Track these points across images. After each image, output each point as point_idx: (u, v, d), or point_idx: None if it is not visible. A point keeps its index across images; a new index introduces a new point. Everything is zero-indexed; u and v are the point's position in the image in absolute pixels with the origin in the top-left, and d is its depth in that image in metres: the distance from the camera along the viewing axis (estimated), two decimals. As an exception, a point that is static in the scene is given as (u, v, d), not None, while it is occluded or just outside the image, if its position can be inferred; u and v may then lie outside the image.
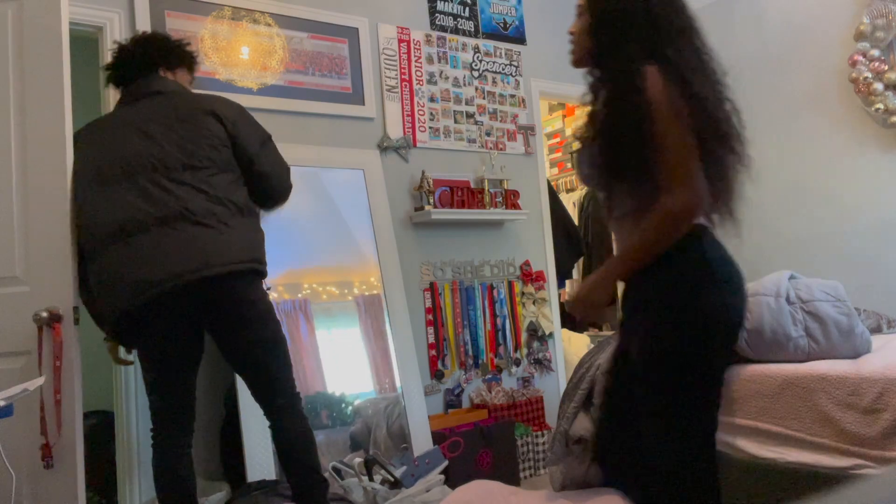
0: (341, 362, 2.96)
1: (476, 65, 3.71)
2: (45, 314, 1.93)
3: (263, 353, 1.99)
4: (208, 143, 1.99)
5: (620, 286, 1.47)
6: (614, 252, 1.56)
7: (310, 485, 2.00)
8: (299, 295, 2.88)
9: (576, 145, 1.65)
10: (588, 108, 1.49)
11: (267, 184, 2.13)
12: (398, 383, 3.02)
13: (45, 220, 2.02)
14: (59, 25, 2.08)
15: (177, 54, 2.19)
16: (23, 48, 2.09)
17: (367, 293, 3.07)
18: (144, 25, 2.74)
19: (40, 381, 1.76)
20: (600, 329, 5.07)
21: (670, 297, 1.33)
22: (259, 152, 2.10)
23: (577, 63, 1.54)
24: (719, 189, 1.38)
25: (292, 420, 2.02)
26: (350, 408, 2.93)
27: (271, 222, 2.89)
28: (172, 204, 1.86)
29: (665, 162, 1.29)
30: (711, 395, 1.37)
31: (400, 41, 3.44)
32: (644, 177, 1.33)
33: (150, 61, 2.12)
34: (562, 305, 4.04)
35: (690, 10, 1.44)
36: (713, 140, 1.33)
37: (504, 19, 3.88)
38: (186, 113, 2.00)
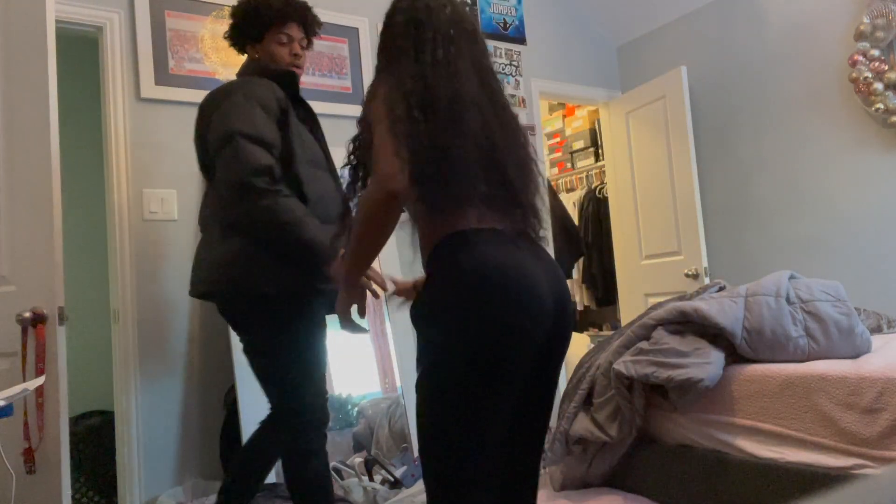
0: (347, 364, 2.96)
1: (476, 65, 3.71)
2: (28, 314, 1.88)
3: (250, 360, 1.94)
4: (200, 149, 1.97)
5: None
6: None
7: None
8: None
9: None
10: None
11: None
12: (398, 383, 3.02)
13: (32, 218, 1.98)
14: (45, 22, 2.03)
15: (242, 25, 2.01)
16: (7, 44, 2.04)
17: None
18: (144, 25, 2.75)
19: (40, 380, 1.75)
20: (600, 329, 5.07)
21: (433, 311, 1.28)
22: (217, 154, 1.80)
23: None
24: (490, 191, 1.30)
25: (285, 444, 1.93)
26: (356, 409, 2.94)
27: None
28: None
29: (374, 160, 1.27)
30: (465, 419, 1.24)
31: (400, 41, 3.43)
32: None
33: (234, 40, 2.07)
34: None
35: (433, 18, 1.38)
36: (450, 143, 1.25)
37: (504, 19, 3.88)
38: (196, 117, 1.99)
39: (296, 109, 1.96)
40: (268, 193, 1.70)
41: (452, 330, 1.22)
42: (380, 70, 1.42)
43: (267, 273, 1.78)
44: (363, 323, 1.47)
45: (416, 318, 1.31)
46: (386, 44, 1.43)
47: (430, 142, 1.23)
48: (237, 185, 1.71)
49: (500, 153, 1.34)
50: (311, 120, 2.03)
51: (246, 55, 2.09)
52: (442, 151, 1.23)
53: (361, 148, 1.39)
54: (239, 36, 2.05)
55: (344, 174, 1.46)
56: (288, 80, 1.97)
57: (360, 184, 1.41)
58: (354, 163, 1.41)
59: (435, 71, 1.29)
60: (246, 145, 1.72)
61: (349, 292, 1.39)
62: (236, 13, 2.03)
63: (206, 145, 1.90)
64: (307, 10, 2.07)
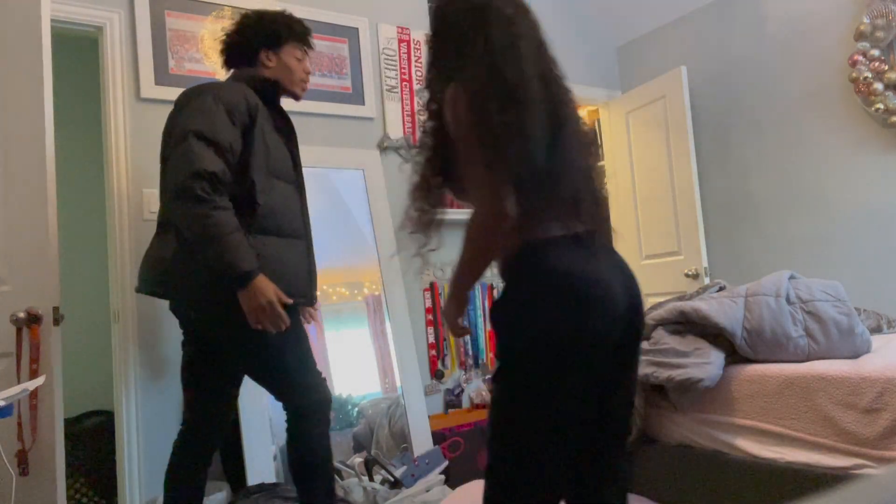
0: (348, 364, 2.96)
1: (476, 65, 3.70)
2: (22, 315, 1.87)
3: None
4: (163, 141, 1.97)
5: None
6: None
7: None
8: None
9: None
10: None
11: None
12: (398, 383, 3.02)
13: (27, 218, 1.97)
14: (40, 20, 2.02)
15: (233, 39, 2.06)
16: (2, 43, 2.03)
17: (375, 293, 3.07)
18: (144, 25, 2.75)
19: (40, 380, 1.75)
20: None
21: (501, 318, 1.30)
22: (172, 151, 1.79)
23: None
24: (567, 199, 1.31)
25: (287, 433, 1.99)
26: (356, 409, 2.94)
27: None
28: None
29: (467, 177, 1.29)
30: (547, 424, 1.25)
31: (400, 41, 3.44)
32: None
33: (226, 61, 2.11)
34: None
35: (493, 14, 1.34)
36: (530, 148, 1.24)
37: (504, 19, 3.88)
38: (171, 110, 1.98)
39: (274, 119, 1.98)
40: (203, 201, 1.69)
41: (533, 336, 1.24)
42: (440, 60, 1.41)
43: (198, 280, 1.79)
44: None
45: (496, 322, 1.32)
46: (445, 32, 1.40)
47: (519, 151, 1.23)
48: (178, 185, 1.71)
49: (571, 152, 1.34)
50: (288, 131, 2.05)
51: (225, 56, 2.09)
52: (528, 161, 1.23)
53: (433, 139, 1.41)
54: (256, 37, 2.04)
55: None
56: (270, 89, 1.99)
57: (434, 174, 1.44)
58: (428, 155, 1.44)
59: (505, 57, 1.28)
60: (197, 146, 1.72)
61: (458, 304, 1.41)
62: (266, 17, 2.06)
63: (168, 140, 1.92)
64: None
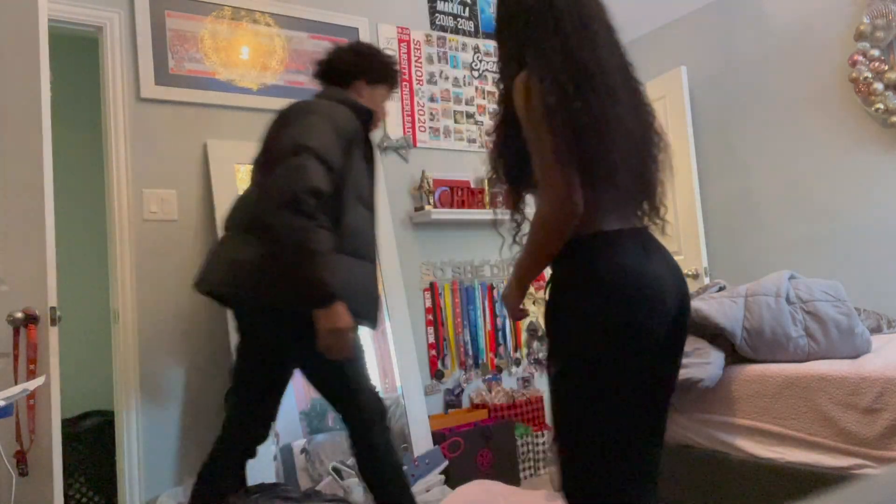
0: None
1: (476, 65, 3.71)
2: (19, 315, 1.86)
3: None
4: (258, 150, 2.03)
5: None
6: None
7: None
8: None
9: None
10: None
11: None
12: (398, 383, 3.02)
13: (24, 217, 1.97)
14: (37, 19, 2.01)
15: (339, 68, 2.17)
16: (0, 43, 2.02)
17: (367, 293, 3.07)
18: (144, 25, 2.75)
19: (40, 380, 1.75)
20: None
21: (557, 311, 1.30)
22: (280, 160, 1.81)
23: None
24: (627, 190, 1.31)
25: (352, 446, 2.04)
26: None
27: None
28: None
29: (536, 168, 1.27)
30: (609, 418, 1.27)
31: (400, 41, 3.44)
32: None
33: (322, 73, 2.20)
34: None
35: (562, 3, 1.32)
36: (600, 140, 1.24)
37: (504, 19, 3.88)
38: (270, 121, 2.05)
39: (363, 147, 2.06)
40: (310, 217, 1.73)
41: (588, 330, 1.25)
42: (508, 47, 1.38)
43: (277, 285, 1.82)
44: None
45: (554, 317, 1.32)
46: (512, 17, 1.37)
47: (595, 140, 1.22)
48: (289, 197, 1.73)
49: (636, 145, 1.33)
50: (371, 161, 2.12)
51: (325, 69, 2.19)
52: (604, 153, 1.23)
53: (503, 129, 1.40)
54: (363, 67, 2.16)
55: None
56: (367, 119, 2.09)
57: (504, 172, 1.43)
58: (497, 154, 1.43)
59: (580, 42, 1.27)
60: (312, 163, 1.78)
61: (521, 292, 1.41)
62: (380, 54, 2.21)
63: (270, 146, 1.95)
64: None
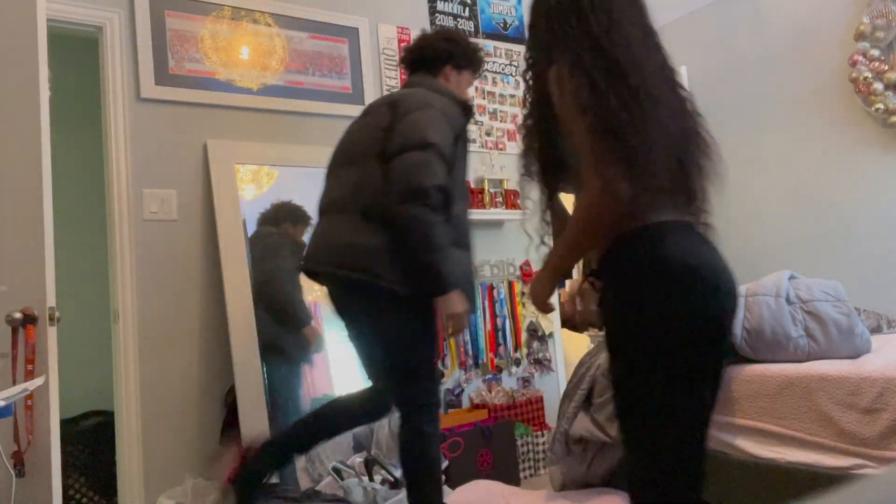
0: (348, 364, 2.95)
1: (476, 65, 3.71)
2: (18, 315, 1.86)
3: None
4: (363, 134, 2.10)
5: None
6: None
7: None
8: (310, 297, 2.88)
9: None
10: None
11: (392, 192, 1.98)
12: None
13: (22, 217, 1.96)
14: (36, 19, 2.00)
15: (432, 55, 2.24)
16: None
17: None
18: (144, 25, 2.75)
19: (40, 381, 1.75)
20: (600, 329, 5.06)
21: (620, 304, 1.29)
22: (401, 152, 1.93)
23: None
24: (680, 184, 1.32)
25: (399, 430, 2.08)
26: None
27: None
28: (323, 197, 2.16)
29: (579, 159, 1.26)
30: (677, 409, 1.26)
31: (400, 41, 3.44)
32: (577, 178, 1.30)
33: (412, 60, 2.28)
34: (561, 305, 4.04)
35: None
36: (641, 131, 1.23)
37: (504, 19, 3.88)
38: (374, 106, 2.15)
39: (464, 141, 2.17)
40: (436, 212, 1.89)
41: (652, 322, 1.24)
42: (541, 46, 1.39)
43: (401, 272, 1.93)
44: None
45: (607, 311, 1.31)
46: (543, 15, 1.38)
47: (632, 136, 1.21)
48: (417, 189, 1.87)
49: (678, 135, 1.33)
50: (466, 152, 2.20)
51: (415, 57, 2.27)
52: (641, 145, 1.22)
53: (536, 133, 1.40)
54: (452, 52, 2.25)
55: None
56: (469, 114, 2.21)
57: (535, 169, 1.45)
58: (534, 147, 1.44)
59: (611, 40, 1.27)
60: (437, 161, 1.91)
61: (553, 284, 1.41)
62: (466, 40, 2.31)
63: (379, 134, 2.03)
64: None
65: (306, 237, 2.88)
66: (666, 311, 1.23)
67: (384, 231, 1.93)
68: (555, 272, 1.39)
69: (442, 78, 2.22)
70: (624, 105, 1.22)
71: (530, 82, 1.42)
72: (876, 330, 2.60)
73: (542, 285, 1.41)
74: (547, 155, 1.40)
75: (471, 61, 2.28)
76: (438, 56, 2.23)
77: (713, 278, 1.26)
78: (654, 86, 1.28)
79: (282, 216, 2.89)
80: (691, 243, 1.28)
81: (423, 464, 2.02)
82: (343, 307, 2.10)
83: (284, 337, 2.78)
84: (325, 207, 2.13)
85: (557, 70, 1.28)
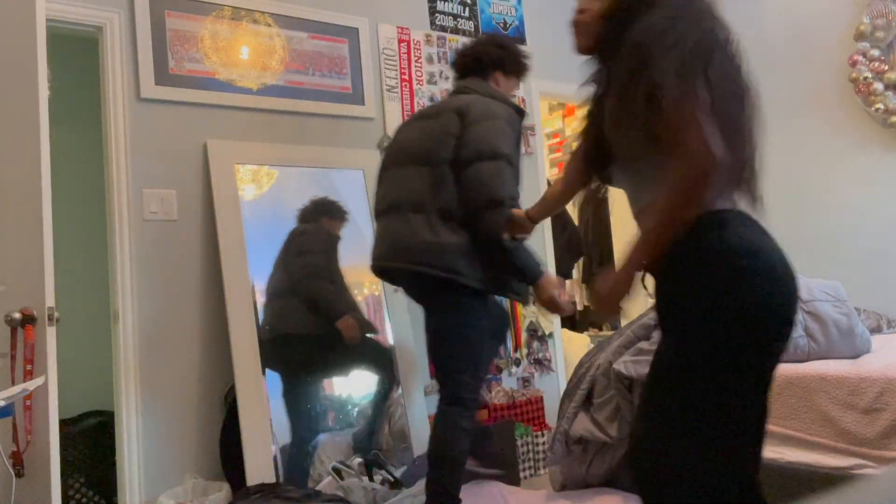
0: (348, 364, 2.95)
1: (476, 65, 3.70)
2: (17, 315, 1.86)
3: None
4: (429, 137, 2.21)
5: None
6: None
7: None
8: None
9: (575, 144, 1.61)
10: (592, 98, 1.46)
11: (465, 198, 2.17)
12: (398, 383, 3.02)
13: (21, 217, 1.96)
14: (34, 17, 1.99)
15: (488, 60, 2.35)
16: None
17: (375, 293, 3.07)
18: (144, 25, 2.75)
19: (40, 381, 1.75)
20: (600, 329, 5.07)
21: (694, 296, 1.21)
22: (474, 161, 2.11)
23: (585, 50, 1.49)
24: (739, 170, 1.28)
25: (438, 417, 2.15)
26: (356, 409, 2.93)
27: (278, 224, 2.90)
28: (389, 195, 2.27)
29: (675, 130, 1.18)
30: (745, 402, 1.23)
31: (400, 41, 3.44)
32: (655, 166, 1.25)
33: (465, 65, 2.39)
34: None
35: None
36: (726, 114, 1.22)
37: (504, 19, 3.88)
38: (440, 110, 2.26)
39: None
40: None
41: (722, 309, 1.18)
42: (625, 15, 1.31)
43: (479, 271, 2.11)
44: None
45: (671, 297, 1.26)
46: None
47: (721, 117, 1.18)
48: (494, 200, 2.07)
49: (749, 121, 1.29)
50: (519, 152, 2.31)
51: (468, 62, 2.39)
52: (731, 128, 1.20)
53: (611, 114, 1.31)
54: (502, 59, 2.37)
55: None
56: (523, 118, 2.36)
57: (596, 160, 1.43)
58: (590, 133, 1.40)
59: (693, 14, 1.25)
60: (507, 171, 2.11)
61: (631, 278, 1.29)
62: (512, 46, 2.45)
63: (450, 140, 2.16)
64: None
65: (341, 231, 2.99)
66: (735, 300, 1.17)
67: (462, 231, 2.10)
68: (637, 262, 1.27)
69: (492, 82, 2.34)
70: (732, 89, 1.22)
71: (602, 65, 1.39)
72: (876, 330, 2.60)
73: (622, 282, 1.29)
74: (628, 144, 1.30)
75: (519, 68, 2.41)
76: (491, 62, 2.34)
77: (779, 268, 1.22)
78: (742, 85, 1.28)
79: (320, 211, 2.97)
80: (757, 233, 1.24)
81: (451, 456, 2.09)
82: (425, 302, 2.25)
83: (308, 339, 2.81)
84: (393, 205, 2.23)
85: (656, 31, 1.21)
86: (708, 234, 1.21)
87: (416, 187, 2.17)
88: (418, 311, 3.27)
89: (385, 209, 2.26)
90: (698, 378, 1.21)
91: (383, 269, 2.28)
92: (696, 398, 1.21)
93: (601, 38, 1.39)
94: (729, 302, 1.18)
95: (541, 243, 3.82)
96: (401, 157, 2.28)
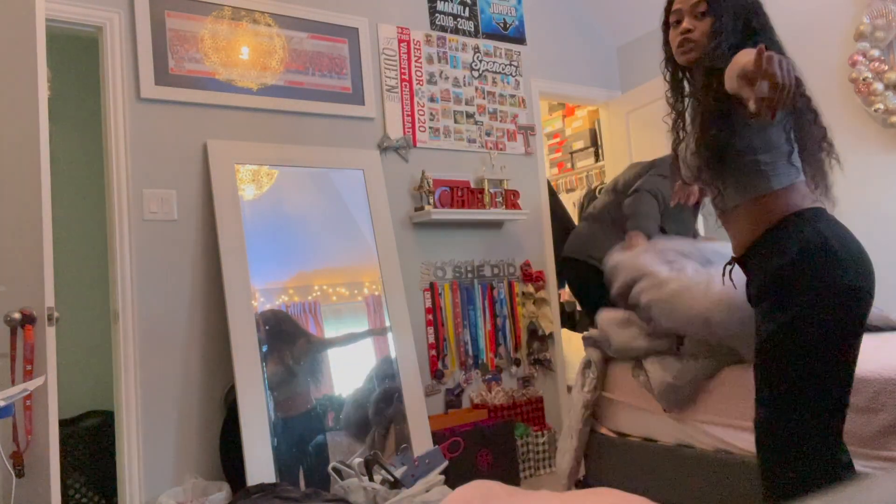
0: (348, 364, 2.95)
1: (476, 65, 3.71)
2: (17, 315, 1.86)
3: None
4: None
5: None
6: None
7: None
8: (309, 297, 2.88)
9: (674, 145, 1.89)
10: (693, 106, 1.66)
11: None
12: (398, 383, 3.02)
13: (21, 218, 1.96)
14: (34, 18, 2.00)
15: None
16: None
17: (375, 293, 3.07)
18: (144, 25, 2.75)
19: (40, 381, 1.75)
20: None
21: (801, 276, 1.42)
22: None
23: (694, 61, 1.65)
24: (816, 169, 1.54)
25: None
26: (357, 409, 2.93)
27: (278, 224, 2.90)
28: None
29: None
30: (837, 378, 1.42)
31: (400, 41, 3.44)
32: (752, 168, 1.50)
33: None
34: (562, 305, 4.04)
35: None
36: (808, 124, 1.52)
37: (504, 19, 3.88)
38: None
39: None
40: None
41: (823, 289, 1.40)
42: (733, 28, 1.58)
43: None
44: None
45: (776, 278, 1.45)
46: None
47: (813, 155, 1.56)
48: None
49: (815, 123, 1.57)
50: None
51: None
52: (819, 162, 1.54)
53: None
54: None
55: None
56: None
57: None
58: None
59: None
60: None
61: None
62: None
63: None
64: None
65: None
66: (830, 284, 1.40)
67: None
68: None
69: None
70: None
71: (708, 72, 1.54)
72: (874, 329, 2.59)
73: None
74: (722, 149, 1.53)
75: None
76: None
77: (862, 255, 1.46)
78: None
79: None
80: (837, 226, 1.47)
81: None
82: None
83: None
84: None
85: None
86: (799, 228, 1.45)
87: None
88: (418, 312, 3.29)
89: None
90: (826, 346, 1.41)
91: None
92: (826, 363, 1.41)
93: (709, 54, 1.57)
94: (827, 281, 1.40)
95: (541, 243, 3.82)
96: None
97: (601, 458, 2.57)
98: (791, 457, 1.43)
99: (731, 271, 1.63)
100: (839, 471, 1.42)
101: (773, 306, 1.46)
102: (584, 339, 2.67)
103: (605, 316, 2.51)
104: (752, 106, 1.23)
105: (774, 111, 1.21)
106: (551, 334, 3.73)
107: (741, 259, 1.59)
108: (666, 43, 1.75)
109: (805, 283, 1.41)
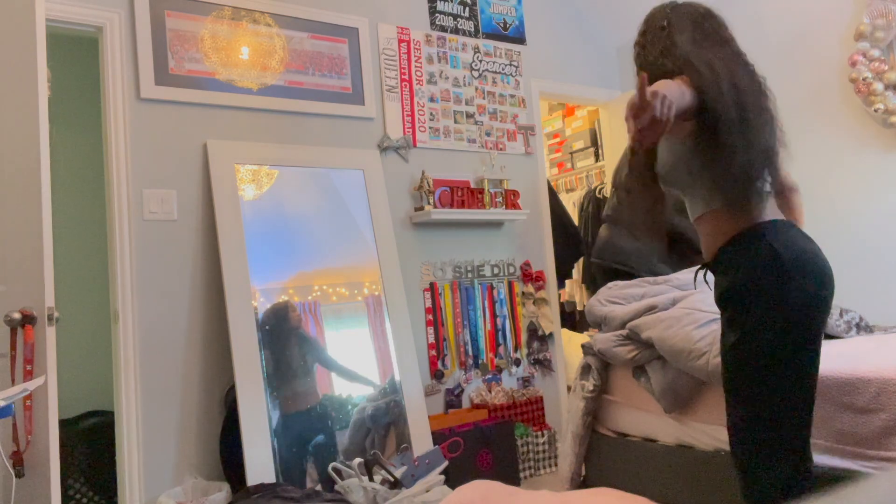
0: (348, 364, 2.95)
1: (476, 65, 3.71)
2: (17, 315, 1.86)
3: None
4: None
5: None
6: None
7: None
8: (309, 297, 2.88)
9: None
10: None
11: None
12: (398, 383, 3.02)
13: (21, 218, 1.96)
14: (34, 18, 2.00)
15: None
16: None
17: (375, 293, 3.07)
18: (144, 25, 2.75)
19: (40, 381, 1.75)
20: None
21: (751, 292, 1.44)
22: None
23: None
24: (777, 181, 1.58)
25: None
26: (356, 409, 2.93)
27: (278, 224, 2.90)
28: None
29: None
30: (795, 390, 1.44)
31: (400, 41, 3.44)
32: (706, 183, 1.53)
33: None
34: (562, 305, 4.04)
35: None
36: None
37: (504, 19, 3.88)
38: None
39: None
40: None
41: (772, 304, 1.42)
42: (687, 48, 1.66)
43: None
44: None
45: (730, 294, 1.49)
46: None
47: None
48: None
49: (772, 141, 1.61)
50: None
51: None
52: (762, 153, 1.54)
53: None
54: None
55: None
56: None
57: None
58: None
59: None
60: None
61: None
62: None
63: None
64: None
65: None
66: (782, 296, 1.41)
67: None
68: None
69: None
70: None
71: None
72: (867, 329, 2.59)
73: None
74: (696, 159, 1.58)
75: None
76: None
77: (819, 266, 1.47)
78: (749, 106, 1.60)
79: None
80: (795, 238, 1.49)
81: None
82: None
83: None
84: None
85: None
86: (755, 241, 1.47)
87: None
88: (418, 312, 3.29)
89: None
90: (779, 360, 1.43)
91: None
92: (780, 377, 1.43)
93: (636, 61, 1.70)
94: (779, 292, 1.42)
95: (541, 243, 3.82)
96: None
97: (601, 458, 2.57)
98: (760, 463, 1.46)
99: (704, 275, 1.66)
100: (799, 480, 1.45)
101: (729, 321, 1.50)
102: (583, 347, 2.69)
103: (601, 338, 2.55)
104: (629, 137, 1.32)
105: (643, 144, 1.29)
106: (551, 334, 3.74)
107: (712, 266, 1.61)
108: None
109: (753, 299, 1.44)
